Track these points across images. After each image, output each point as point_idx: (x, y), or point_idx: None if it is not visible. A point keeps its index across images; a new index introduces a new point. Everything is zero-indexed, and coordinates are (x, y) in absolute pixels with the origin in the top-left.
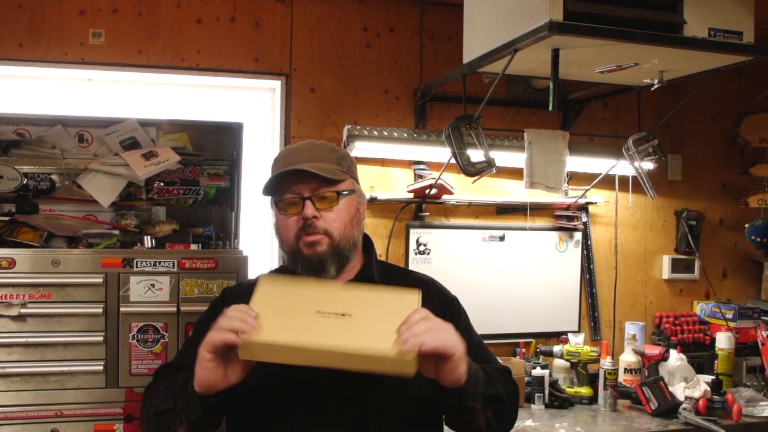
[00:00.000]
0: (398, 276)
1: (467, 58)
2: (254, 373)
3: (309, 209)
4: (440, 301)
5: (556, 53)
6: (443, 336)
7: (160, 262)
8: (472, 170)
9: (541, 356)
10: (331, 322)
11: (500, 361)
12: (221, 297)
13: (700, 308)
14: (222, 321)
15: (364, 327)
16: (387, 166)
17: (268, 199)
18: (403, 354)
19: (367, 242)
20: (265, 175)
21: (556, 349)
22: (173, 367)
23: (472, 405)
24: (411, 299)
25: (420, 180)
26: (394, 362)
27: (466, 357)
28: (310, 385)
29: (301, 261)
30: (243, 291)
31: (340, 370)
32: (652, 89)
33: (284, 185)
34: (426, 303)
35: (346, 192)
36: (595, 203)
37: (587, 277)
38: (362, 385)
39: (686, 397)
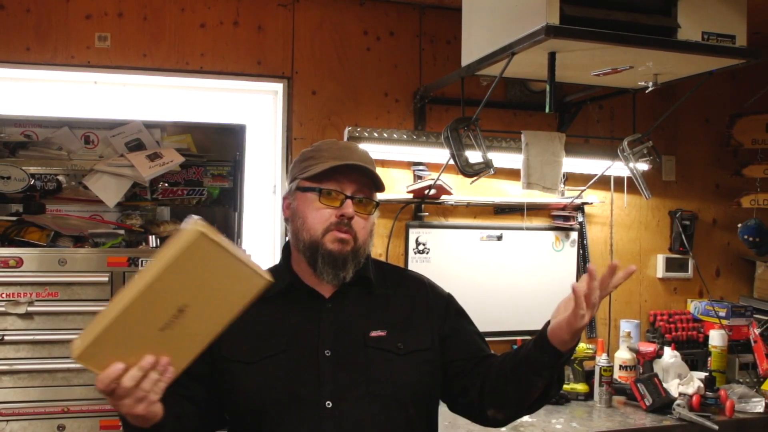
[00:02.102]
0: (392, 275)
1: (465, 61)
2: (253, 374)
3: (350, 208)
4: (435, 298)
5: (552, 56)
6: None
7: None
8: (470, 171)
9: None
10: (178, 332)
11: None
12: None
13: (694, 306)
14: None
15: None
16: (387, 167)
17: (271, 198)
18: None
19: None
20: (268, 175)
21: None
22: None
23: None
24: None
25: (419, 181)
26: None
27: None
28: (306, 385)
29: (324, 254)
30: None
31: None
32: (647, 92)
33: (329, 174)
34: (420, 298)
35: (377, 204)
36: (591, 203)
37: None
38: (358, 384)
39: (680, 394)
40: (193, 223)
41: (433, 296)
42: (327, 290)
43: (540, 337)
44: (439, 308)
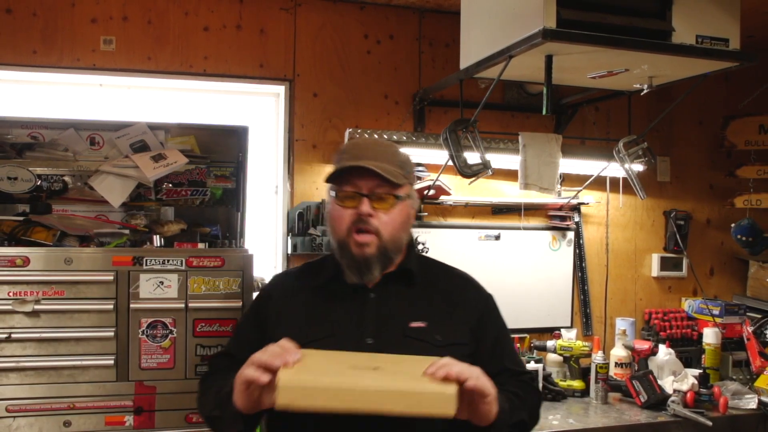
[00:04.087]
0: (436, 269)
1: (464, 64)
2: None
3: (365, 206)
4: (476, 297)
5: (549, 59)
6: (481, 376)
7: (168, 261)
8: (468, 172)
9: (535, 351)
10: (366, 372)
11: (522, 363)
12: (269, 285)
13: (688, 305)
14: (259, 355)
15: (399, 374)
16: None
17: (273, 198)
18: (445, 388)
19: (410, 239)
20: (270, 175)
21: (550, 344)
22: (224, 355)
23: None
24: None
25: (418, 181)
26: (435, 398)
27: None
28: None
29: (348, 257)
30: (289, 280)
31: (379, 413)
32: (642, 94)
33: (346, 177)
34: (462, 294)
35: (402, 196)
36: (587, 204)
37: (579, 274)
38: None
39: (675, 390)
40: (455, 390)
41: (475, 295)
42: (370, 281)
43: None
44: (478, 306)
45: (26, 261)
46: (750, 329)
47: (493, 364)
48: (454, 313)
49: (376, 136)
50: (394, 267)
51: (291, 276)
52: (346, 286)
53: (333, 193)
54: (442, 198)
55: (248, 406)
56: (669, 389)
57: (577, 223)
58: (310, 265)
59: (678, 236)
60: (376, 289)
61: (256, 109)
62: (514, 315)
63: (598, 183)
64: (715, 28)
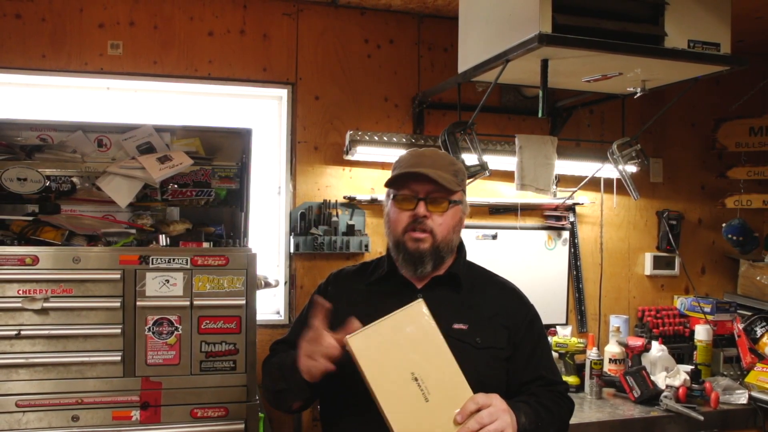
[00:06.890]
0: (483, 277)
1: (462, 68)
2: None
3: (421, 208)
4: (518, 306)
5: (545, 63)
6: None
7: (174, 259)
8: (466, 173)
9: None
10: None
11: (558, 373)
12: (326, 281)
13: (680, 302)
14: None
15: (431, 410)
16: (387, 169)
17: (276, 199)
18: None
19: (460, 244)
20: (273, 176)
21: None
22: (285, 342)
23: None
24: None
25: None
26: None
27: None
28: None
29: (404, 252)
30: (345, 276)
31: None
32: (635, 97)
33: (405, 182)
34: (505, 303)
35: (455, 201)
36: (582, 204)
37: (574, 273)
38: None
39: (667, 386)
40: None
41: (517, 304)
42: (420, 281)
43: None
44: (519, 315)
45: (35, 260)
46: (741, 326)
47: (529, 372)
48: (494, 319)
49: (376, 138)
50: (442, 271)
51: (347, 273)
52: (396, 286)
53: (392, 196)
54: None
55: (314, 377)
56: (662, 385)
57: (572, 223)
58: (365, 265)
59: (670, 236)
60: (424, 290)
61: (260, 112)
62: None
63: (593, 184)
64: (706, 33)
